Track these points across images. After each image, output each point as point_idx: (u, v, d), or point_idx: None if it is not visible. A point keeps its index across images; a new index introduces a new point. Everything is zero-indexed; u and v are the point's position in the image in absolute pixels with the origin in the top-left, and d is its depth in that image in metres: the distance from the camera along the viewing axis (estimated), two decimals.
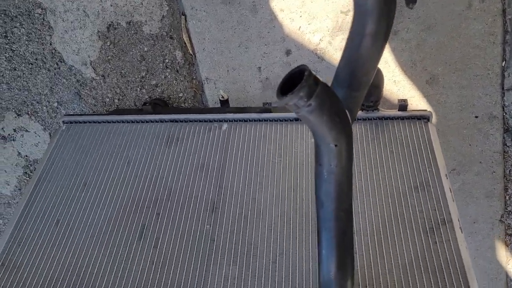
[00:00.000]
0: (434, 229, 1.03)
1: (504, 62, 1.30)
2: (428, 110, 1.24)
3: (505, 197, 1.47)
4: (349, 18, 1.25)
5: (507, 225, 1.51)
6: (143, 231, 1.10)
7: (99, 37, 1.37)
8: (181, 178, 1.20)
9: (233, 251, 1.04)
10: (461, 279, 0.94)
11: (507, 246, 1.54)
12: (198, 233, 1.08)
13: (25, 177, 1.66)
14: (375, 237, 1.02)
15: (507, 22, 1.25)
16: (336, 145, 0.66)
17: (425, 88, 1.34)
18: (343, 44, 1.30)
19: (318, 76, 0.63)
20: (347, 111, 0.74)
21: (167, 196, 1.16)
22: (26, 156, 1.62)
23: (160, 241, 1.07)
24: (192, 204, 1.14)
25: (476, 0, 1.22)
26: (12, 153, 1.62)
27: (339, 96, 0.74)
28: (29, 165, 1.64)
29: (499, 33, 1.26)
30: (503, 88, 1.33)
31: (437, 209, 1.06)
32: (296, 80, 0.61)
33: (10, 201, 1.72)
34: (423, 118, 1.24)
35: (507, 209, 1.49)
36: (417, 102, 1.37)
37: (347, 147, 0.67)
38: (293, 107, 0.61)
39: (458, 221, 1.04)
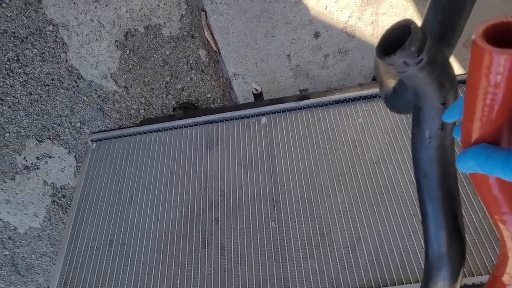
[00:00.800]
0: None
1: None
2: None
3: None
4: None
5: None
6: (205, 239, 1.03)
7: (117, 46, 1.30)
8: (231, 179, 1.13)
9: (306, 245, 0.98)
10: None
11: None
12: (264, 233, 1.01)
13: (54, 206, 1.58)
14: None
15: None
16: (443, 104, 0.60)
17: (463, 51, 1.29)
18: (373, 18, 1.25)
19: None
20: None
21: (221, 199, 1.10)
22: (53, 183, 1.54)
23: (226, 247, 1.01)
24: (250, 204, 1.07)
25: None
26: (38, 183, 1.54)
27: None
28: (57, 193, 1.56)
29: None
30: None
31: None
32: (399, 37, 0.55)
33: (40, 234, 1.64)
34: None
35: None
36: (457, 67, 1.32)
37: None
38: (401, 66, 0.56)
39: None
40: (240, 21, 1.27)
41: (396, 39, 0.56)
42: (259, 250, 0.99)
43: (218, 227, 1.05)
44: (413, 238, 0.95)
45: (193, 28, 1.28)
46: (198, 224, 1.06)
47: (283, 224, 1.02)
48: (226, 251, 1.00)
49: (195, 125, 1.28)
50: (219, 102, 1.38)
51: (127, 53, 1.31)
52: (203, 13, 1.26)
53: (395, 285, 0.88)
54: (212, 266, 0.98)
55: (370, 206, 1.02)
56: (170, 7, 1.25)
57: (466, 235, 0.92)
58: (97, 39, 1.29)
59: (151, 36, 1.29)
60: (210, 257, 1.00)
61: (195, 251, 1.02)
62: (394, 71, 0.60)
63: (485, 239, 0.92)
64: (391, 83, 0.76)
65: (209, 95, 1.37)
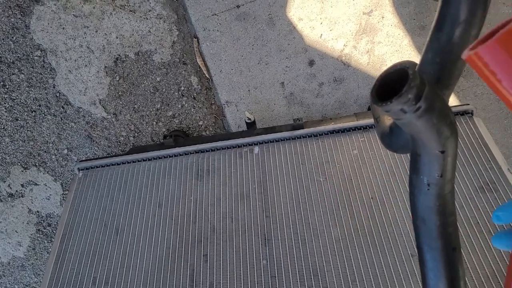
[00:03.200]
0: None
1: None
2: (470, 104, 1.16)
3: None
4: (372, 19, 1.18)
5: None
6: (193, 276, 0.99)
7: (106, 73, 1.27)
8: (221, 212, 1.09)
9: (298, 285, 0.93)
10: None
11: None
12: (255, 271, 0.97)
13: (38, 235, 1.53)
14: None
15: None
16: (442, 152, 0.57)
17: (460, 81, 1.27)
18: (369, 47, 1.22)
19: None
20: None
21: (211, 234, 1.05)
22: (38, 211, 1.49)
23: (215, 286, 0.96)
24: (241, 240, 1.03)
25: None
26: (22, 211, 1.49)
27: None
28: (42, 221, 1.50)
29: None
30: None
31: None
32: (395, 81, 0.52)
33: (24, 263, 1.58)
34: (466, 112, 1.17)
35: None
36: (453, 97, 1.30)
37: (454, 152, 0.59)
38: (397, 114, 0.52)
39: None
40: (233, 48, 1.24)
41: (393, 83, 0.53)
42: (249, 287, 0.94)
43: (207, 264, 1.00)
44: (411, 280, 0.91)
45: (184, 55, 1.25)
46: (186, 261, 1.02)
47: (275, 262, 0.98)
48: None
49: (185, 154, 1.25)
50: (211, 129, 1.35)
51: (117, 79, 1.27)
52: (195, 39, 1.23)
53: None
54: None
55: (366, 245, 0.98)
56: (162, 33, 1.22)
57: (468, 285, 0.88)
58: (86, 65, 1.25)
59: (142, 62, 1.26)
60: None
61: None
62: (390, 117, 0.57)
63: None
64: (388, 121, 0.73)
65: (200, 123, 1.34)
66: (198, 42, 1.23)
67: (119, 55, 1.24)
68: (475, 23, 0.59)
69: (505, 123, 1.32)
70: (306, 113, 1.33)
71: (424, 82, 0.52)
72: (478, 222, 0.96)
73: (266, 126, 1.26)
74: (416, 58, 1.25)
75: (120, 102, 1.31)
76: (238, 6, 1.19)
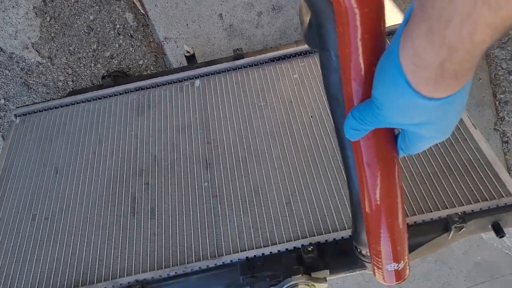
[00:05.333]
0: None
1: None
2: None
3: (495, 103, 1.43)
4: None
5: (502, 132, 1.47)
6: (135, 205, 0.97)
7: (36, 13, 1.21)
8: (163, 143, 1.08)
9: (240, 202, 0.93)
10: (488, 172, 0.88)
11: (505, 155, 1.51)
12: (197, 193, 0.96)
13: None
14: None
15: None
16: None
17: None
18: None
19: None
20: None
21: (153, 163, 1.04)
22: None
23: (156, 211, 0.95)
24: (182, 166, 1.02)
25: None
26: None
27: None
28: None
29: None
30: None
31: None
32: None
33: None
34: None
35: (499, 115, 1.45)
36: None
37: None
38: None
39: (469, 118, 0.98)
40: None
41: None
42: (191, 212, 0.94)
43: (148, 192, 0.99)
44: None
45: None
46: (127, 190, 1.00)
47: (216, 183, 0.97)
48: (156, 215, 0.95)
49: (125, 92, 1.22)
50: (152, 69, 1.32)
51: (48, 20, 1.22)
52: None
53: (330, 232, 0.85)
54: (142, 231, 0.93)
55: (306, 159, 0.98)
56: None
57: None
58: (13, 6, 1.20)
59: (73, 0, 1.21)
60: (139, 223, 0.94)
61: (124, 217, 0.96)
62: None
63: (418, 180, 0.89)
64: (307, 17, 0.72)
65: (140, 62, 1.30)
66: None
67: None
68: None
69: None
70: (248, 45, 1.31)
71: None
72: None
73: (209, 60, 1.24)
74: None
75: (54, 45, 1.26)
76: None
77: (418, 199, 0.86)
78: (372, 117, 0.48)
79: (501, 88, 1.41)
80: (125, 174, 1.04)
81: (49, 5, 1.20)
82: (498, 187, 0.85)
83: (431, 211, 0.83)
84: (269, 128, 1.06)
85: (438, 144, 0.93)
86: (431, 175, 0.89)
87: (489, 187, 0.85)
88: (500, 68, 1.38)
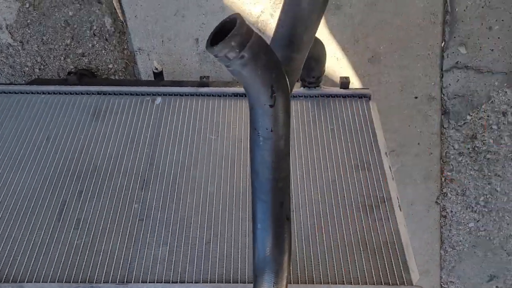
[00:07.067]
0: (374, 207, 1.00)
1: (443, 43, 1.30)
2: (369, 89, 1.21)
3: (441, 179, 1.49)
4: None
5: (442, 207, 1.53)
6: (63, 210, 0.99)
7: None
8: (108, 153, 1.09)
9: (163, 231, 0.95)
10: (399, 257, 0.92)
11: (442, 228, 1.57)
12: (125, 213, 0.98)
13: None
14: (315, 217, 0.98)
15: (447, 2, 1.24)
16: (271, 106, 0.60)
17: (367, 66, 1.31)
18: None
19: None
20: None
21: (92, 172, 1.06)
22: None
23: (82, 221, 0.97)
24: (120, 181, 1.04)
25: None
26: None
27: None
28: None
29: (440, 13, 1.25)
30: (442, 69, 1.33)
31: (377, 187, 1.04)
32: (228, 30, 0.54)
33: None
34: (364, 96, 1.22)
35: (442, 191, 1.51)
36: (359, 81, 1.34)
37: (284, 108, 0.61)
38: (224, 59, 0.55)
39: (397, 199, 1.02)
40: None
41: (227, 33, 0.55)
42: (114, 230, 0.95)
43: (80, 200, 1.01)
44: None
45: None
46: (60, 194, 1.02)
47: (146, 206, 0.99)
48: (80, 226, 0.96)
49: (87, 93, 1.23)
50: (120, 74, 1.33)
51: (27, 6, 1.23)
52: None
53: (238, 283, 0.88)
54: (62, 239, 0.94)
55: (237, 203, 1.01)
56: None
57: (294, 242, 0.93)
58: None
59: None
60: (62, 230, 0.95)
61: (49, 220, 0.97)
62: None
63: (313, 247, 0.92)
64: None
65: (110, 66, 1.32)
66: None
67: None
68: None
69: (404, 113, 1.38)
70: (218, 73, 1.34)
71: (251, 32, 0.54)
72: (345, 196, 1.01)
73: (174, 80, 1.27)
74: (328, 34, 1.28)
75: (28, 31, 1.27)
76: None
77: (328, 268, 0.90)
78: None
79: (449, 166, 1.46)
80: (62, 176, 1.05)
81: None
82: (403, 274, 0.89)
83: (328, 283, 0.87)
84: (213, 163, 1.08)
85: (363, 219, 0.97)
86: (346, 246, 0.93)
87: (395, 272, 0.89)
88: (452, 147, 1.44)
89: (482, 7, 1.24)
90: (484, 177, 1.47)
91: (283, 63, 0.68)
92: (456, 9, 1.25)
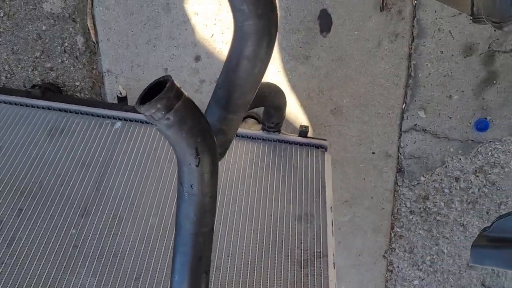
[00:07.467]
0: (309, 262, 1.01)
1: (404, 105, 1.33)
2: (327, 139, 1.23)
3: (390, 234, 1.51)
4: None
5: (389, 261, 1.55)
6: None
7: None
8: (56, 173, 1.09)
9: (95, 261, 0.95)
10: None
11: (387, 282, 1.59)
12: (61, 237, 0.98)
13: None
14: (249, 264, 0.99)
15: (411, 66, 1.28)
16: (197, 166, 0.61)
17: (329, 117, 1.34)
18: None
19: (183, 90, 0.58)
20: (220, 133, 0.70)
21: (36, 191, 1.05)
22: None
23: (16, 240, 0.96)
24: (62, 204, 1.04)
25: (386, 40, 1.24)
26: None
27: (214, 116, 0.70)
28: None
29: (403, 76, 1.29)
30: (400, 129, 1.36)
31: (316, 241, 1.05)
32: (159, 91, 0.56)
33: None
34: (321, 147, 1.24)
35: (391, 245, 1.53)
36: (320, 130, 1.37)
37: (211, 169, 0.63)
38: (150, 118, 0.56)
39: (333, 256, 1.04)
40: (125, 21, 1.24)
41: (158, 91, 0.56)
42: (46, 254, 0.95)
43: (18, 218, 1.00)
44: None
45: (76, 12, 1.24)
46: None
47: (83, 234, 0.99)
48: (13, 245, 0.96)
49: (48, 108, 1.23)
50: (86, 93, 1.34)
51: (1, 15, 1.24)
52: (89, 0, 1.23)
53: None
54: None
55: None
56: None
57: None
58: None
59: (31, 6, 1.24)
60: None
61: None
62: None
63: None
64: None
65: (77, 83, 1.33)
66: (92, 4, 1.23)
67: None
68: (258, 62, 0.63)
69: (360, 167, 1.41)
70: None
71: (179, 96, 0.56)
72: (282, 247, 1.02)
73: None
74: (295, 81, 1.31)
75: (0, 39, 1.28)
76: None
77: None
78: None
79: (400, 222, 1.49)
80: (6, 191, 1.05)
81: (7, 2, 1.23)
82: None
83: None
84: (160, 193, 1.09)
85: (295, 273, 0.98)
86: None
87: None
88: (404, 205, 1.47)
89: (444, 76, 1.29)
90: (432, 238, 1.50)
91: (219, 121, 0.70)
92: (419, 75, 1.29)
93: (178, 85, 0.57)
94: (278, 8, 0.59)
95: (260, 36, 0.59)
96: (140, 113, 0.56)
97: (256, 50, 0.60)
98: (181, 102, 0.56)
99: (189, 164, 0.61)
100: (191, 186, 0.63)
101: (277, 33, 0.61)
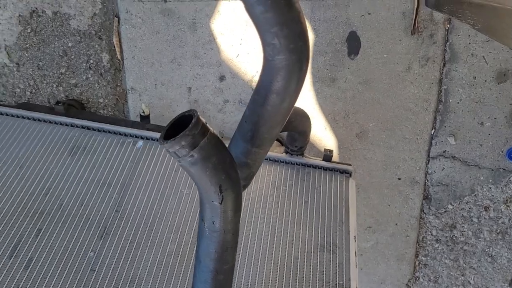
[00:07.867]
0: None
1: (433, 130, 1.29)
2: (352, 164, 1.20)
3: (414, 263, 1.46)
4: None
5: None
6: (16, 247, 0.97)
7: (19, 21, 1.24)
8: (76, 193, 1.08)
9: (112, 286, 0.93)
10: None
11: None
12: (78, 260, 0.97)
13: None
14: None
15: (442, 91, 1.24)
16: (220, 203, 0.59)
17: (354, 141, 1.31)
18: None
19: (208, 125, 0.55)
20: (245, 166, 0.68)
21: (55, 211, 1.04)
22: None
23: (33, 262, 0.95)
24: (81, 225, 1.02)
25: (416, 64, 1.21)
26: None
27: (239, 149, 0.67)
28: None
29: (433, 101, 1.25)
30: (428, 155, 1.32)
31: (339, 273, 1.01)
32: (184, 126, 0.54)
33: None
34: (345, 172, 1.20)
35: (415, 274, 1.48)
36: (344, 154, 1.33)
37: (234, 206, 0.60)
38: (173, 155, 0.54)
39: None
40: (151, 39, 1.24)
41: (183, 125, 0.54)
42: (63, 277, 0.94)
43: (36, 239, 0.99)
44: None
45: (102, 30, 1.24)
46: (17, 230, 1.00)
47: (102, 257, 0.97)
48: (30, 267, 0.94)
49: (71, 125, 1.23)
50: (109, 110, 1.34)
51: (28, 31, 1.25)
52: (116, 18, 1.22)
53: None
54: (9, 279, 0.92)
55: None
56: (85, 1, 1.21)
57: None
58: (0, 7, 1.22)
59: (58, 23, 1.24)
60: (11, 268, 0.94)
61: (0, 258, 0.95)
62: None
63: None
64: None
65: (101, 100, 1.33)
66: (118, 22, 1.22)
67: (36, 8, 1.22)
68: (287, 96, 0.61)
69: (385, 192, 1.36)
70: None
71: (205, 132, 0.54)
72: (304, 277, 0.99)
73: (160, 125, 1.26)
74: (320, 104, 1.28)
75: (26, 55, 1.29)
76: (165, 1, 1.18)
77: None
78: None
79: (425, 251, 1.44)
80: (26, 210, 1.04)
81: (35, 19, 1.23)
82: None
83: None
84: (179, 219, 1.07)
85: None
86: None
87: None
88: (429, 233, 1.42)
89: (476, 102, 1.24)
90: (458, 268, 1.44)
91: (244, 155, 0.67)
92: (450, 100, 1.25)
93: (204, 121, 0.55)
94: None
95: (291, 71, 0.56)
96: (164, 148, 0.54)
97: (286, 85, 0.58)
98: (206, 139, 0.53)
99: (212, 201, 0.59)
100: (213, 223, 0.61)
101: None
